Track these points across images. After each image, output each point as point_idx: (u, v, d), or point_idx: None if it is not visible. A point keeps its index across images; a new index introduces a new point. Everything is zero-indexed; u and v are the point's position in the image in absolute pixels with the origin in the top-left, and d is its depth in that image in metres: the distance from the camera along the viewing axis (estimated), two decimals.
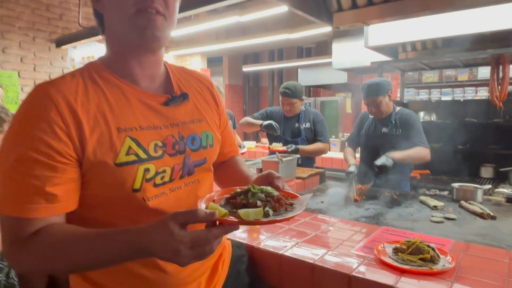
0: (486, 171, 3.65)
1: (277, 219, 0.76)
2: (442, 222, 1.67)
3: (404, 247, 1.14)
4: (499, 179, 3.54)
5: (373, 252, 1.16)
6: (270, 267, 1.22)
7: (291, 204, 0.87)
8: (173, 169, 0.91)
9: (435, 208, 1.89)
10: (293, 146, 2.76)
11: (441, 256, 1.09)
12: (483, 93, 5.18)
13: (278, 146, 2.75)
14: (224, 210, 0.77)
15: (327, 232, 1.39)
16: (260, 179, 1.03)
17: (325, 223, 1.53)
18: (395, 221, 1.72)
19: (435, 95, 5.58)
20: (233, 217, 0.75)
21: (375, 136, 2.64)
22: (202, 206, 0.82)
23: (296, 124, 2.97)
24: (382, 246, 1.20)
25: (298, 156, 2.55)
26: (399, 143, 2.43)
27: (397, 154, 2.33)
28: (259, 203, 0.81)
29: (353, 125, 3.06)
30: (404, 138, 2.47)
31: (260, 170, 2.38)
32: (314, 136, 2.95)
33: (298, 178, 2.48)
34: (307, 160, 3.02)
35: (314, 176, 2.61)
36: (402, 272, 1.03)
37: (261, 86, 8.61)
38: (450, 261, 1.07)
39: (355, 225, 1.49)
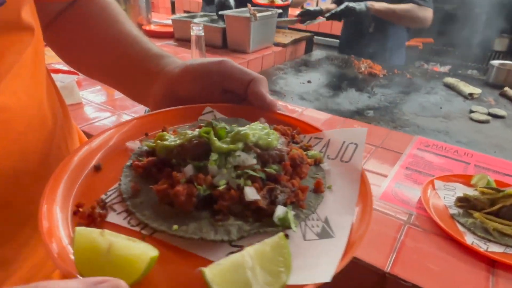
0: (500, 43, 3.04)
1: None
2: (488, 121, 1.12)
3: (479, 194, 0.59)
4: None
5: (418, 203, 0.61)
6: None
7: (316, 163, 0.34)
8: None
9: (470, 97, 1.32)
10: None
11: None
12: None
13: None
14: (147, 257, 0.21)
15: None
16: (193, 79, 0.42)
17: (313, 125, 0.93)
18: (418, 117, 1.15)
19: None
20: None
21: None
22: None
23: None
24: (432, 188, 0.64)
25: (281, 11, 1.76)
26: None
27: (379, 4, 1.71)
28: (250, 192, 0.27)
29: None
30: None
31: (222, 33, 1.61)
32: None
33: (277, 44, 1.77)
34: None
35: (298, 43, 1.90)
36: (491, 264, 0.49)
37: None
38: None
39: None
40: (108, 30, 0.47)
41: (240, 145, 0.30)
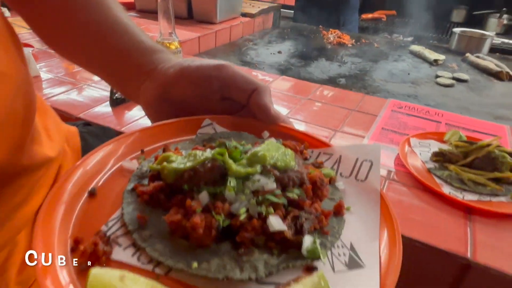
0: (458, 14, 3.14)
1: None
2: (452, 85, 1.17)
3: (453, 148, 0.61)
4: (469, 24, 3.09)
5: (396, 160, 0.62)
6: None
7: (330, 182, 0.32)
8: None
9: (435, 63, 1.36)
10: None
11: None
12: None
13: None
14: None
15: (297, 112, 0.80)
16: (189, 83, 0.39)
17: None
18: (388, 84, 1.17)
19: None
20: None
21: None
22: None
23: None
24: (408, 146, 0.65)
25: None
26: None
27: None
28: (275, 222, 0.25)
29: None
30: None
31: (187, 3, 1.54)
32: None
33: (245, 15, 1.72)
34: None
35: (267, 14, 1.85)
36: (468, 211, 0.52)
37: None
38: None
39: (339, 98, 0.92)
40: (93, 15, 0.42)
41: (259, 168, 0.27)
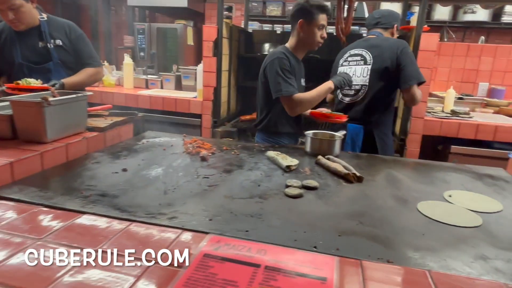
0: None
1: None
2: (301, 196, 1.10)
3: None
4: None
5: None
6: None
7: None
8: None
9: (288, 169, 1.32)
10: (57, 83, 1.83)
11: None
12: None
13: (33, 81, 1.70)
14: None
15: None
16: None
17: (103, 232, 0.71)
18: (234, 201, 1.05)
19: (278, 30, 5.34)
20: None
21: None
22: None
23: (40, 43, 1.95)
24: None
25: (89, 93, 1.56)
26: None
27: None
28: None
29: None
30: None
31: (11, 121, 1.30)
32: (78, 58, 2.05)
33: (92, 129, 1.54)
34: None
35: (122, 126, 1.70)
36: None
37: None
38: None
39: (148, 238, 0.73)
40: None
41: None
